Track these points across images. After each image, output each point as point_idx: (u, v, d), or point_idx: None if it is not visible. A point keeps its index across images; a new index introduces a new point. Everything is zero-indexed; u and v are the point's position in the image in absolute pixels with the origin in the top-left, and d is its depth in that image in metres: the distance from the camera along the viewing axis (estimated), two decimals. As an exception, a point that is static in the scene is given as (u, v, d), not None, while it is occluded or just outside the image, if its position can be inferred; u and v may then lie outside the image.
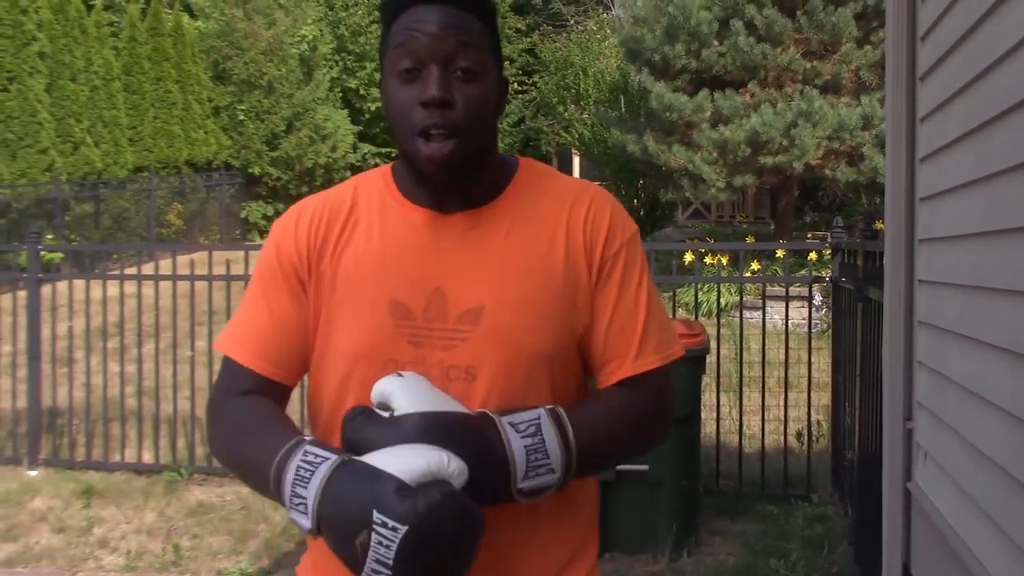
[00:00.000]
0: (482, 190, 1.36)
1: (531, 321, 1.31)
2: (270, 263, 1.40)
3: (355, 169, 20.61)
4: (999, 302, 1.96)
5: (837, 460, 4.99)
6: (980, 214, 2.10)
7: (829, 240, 5.28)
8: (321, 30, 20.02)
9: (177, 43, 16.61)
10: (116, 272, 8.88)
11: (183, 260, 6.35)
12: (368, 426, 1.19)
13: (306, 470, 1.16)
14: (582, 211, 1.37)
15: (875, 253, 3.71)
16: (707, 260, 9.33)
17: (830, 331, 5.56)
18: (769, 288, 8.74)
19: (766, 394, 5.22)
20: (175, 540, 4.60)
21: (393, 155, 24.02)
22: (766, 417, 5.23)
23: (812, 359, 5.20)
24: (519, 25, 22.98)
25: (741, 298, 5.76)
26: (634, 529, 4.30)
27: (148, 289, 6.19)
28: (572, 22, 22.14)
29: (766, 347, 5.24)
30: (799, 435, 5.47)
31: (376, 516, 1.08)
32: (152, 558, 4.45)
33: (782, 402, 5.26)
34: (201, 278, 5.72)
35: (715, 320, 7.06)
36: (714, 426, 5.23)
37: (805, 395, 5.20)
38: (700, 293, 6.70)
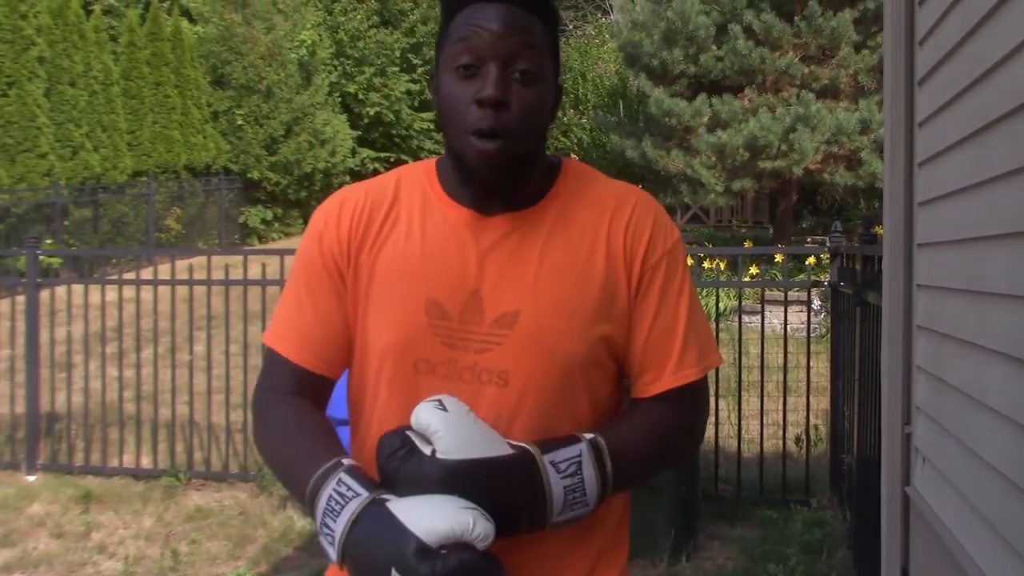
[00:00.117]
0: (525, 193, 1.34)
1: (567, 328, 1.29)
2: (312, 254, 1.38)
3: (354, 174, 20.63)
4: (998, 306, 1.96)
5: (836, 465, 4.99)
6: (979, 218, 2.10)
7: (828, 244, 5.28)
8: (320, 35, 20.04)
9: (176, 48, 16.62)
10: (115, 277, 8.87)
11: (182, 265, 6.35)
12: (409, 463, 1.16)
13: (337, 502, 1.16)
14: (623, 219, 1.34)
15: (874, 257, 3.71)
16: (706, 264, 9.33)
17: (829, 335, 5.56)
18: (768, 292, 8.72)
19: (765, 398, 5.22)
20: (173, 545, 4.59)
21: (392, 161, 24.03)
22: (765, 421, 5.23)
23: (811, 363, 5.20)
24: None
25: (740, 302, 5.76)
26: (632, 534, 4.27)
27: (147, 294, 6.18)
28: (571, 27, 22.17)
29: (765, 351, 5.24)
30: (798, 440, 5.46)
31: (395, 573, 1.08)
32: (150, 563, 4.44)
33: (781, 406, 5.26)
34: (200, 283, 5.72)
35: (714, 324, 7.06)
36: (713, 430, 5.22)
37: (804, 400, 5.20)
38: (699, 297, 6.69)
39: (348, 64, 21.15)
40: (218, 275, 5.68)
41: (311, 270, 1.38)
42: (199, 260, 7.45)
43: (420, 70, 22.15)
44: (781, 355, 5.26)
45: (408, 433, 1.19)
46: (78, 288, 6.09)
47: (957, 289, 2.28)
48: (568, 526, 1.23)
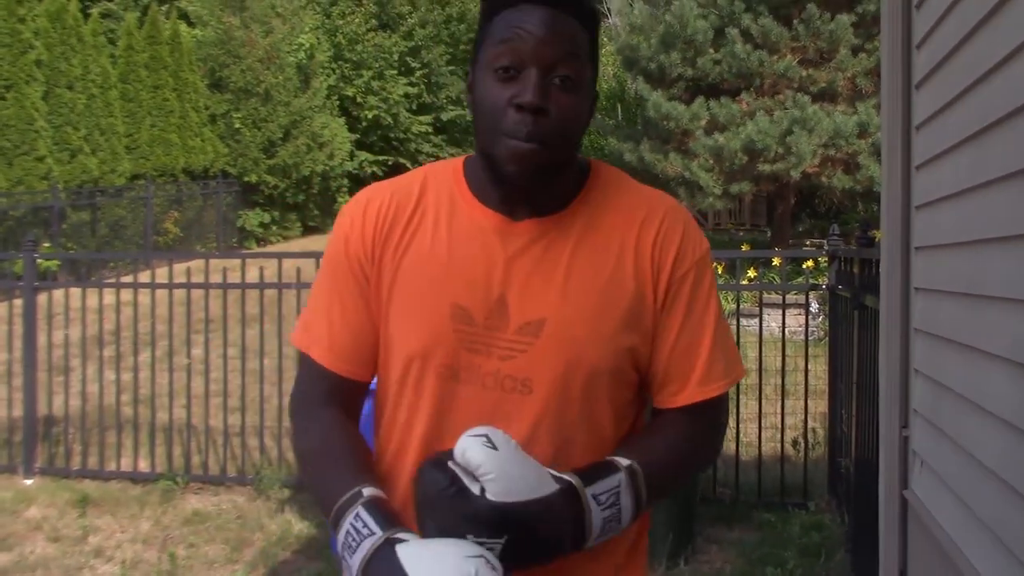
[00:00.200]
0: (553, 198, 1.33)
1: (592, 338, 1.28)
2: (338, 256, 1.38)
3: (352, 177, 20.65)
4: (995, 309, 1.96)
5: (834, 468, 4.99)
6: (976, 222, 2.10)
7: (826, 248, 5.28)
8: (318, 38, 20.07)
9: (174, 51, 16.63)
10: (113, 280, 8.86)
11: (180, 268, 6.35)
12: (459, 503, 1.14)
13: (353, 539, 1.18)
14: (652, 230, 1.33)
15: (871, 261, 3.71)
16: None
17: (827, 339, 5.56)
18: (766, 296, 8.75)
19: (763, 402, 5.22)
20: (171, 549, 4.58)
21: (390, 164, 23.98)
22: (763, 425, 5.23)
23: (809, 367, 5.20)
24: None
25: (738, 306, 5.75)
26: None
27: (144, 297, 6.18)
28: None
29: (763, 355, 5.24)
30: (796, 443, 5.47)
31: None
32: (147, 567, 4.43)
33: (779, 410, 5.26)
34: (197, 286, 5.72)
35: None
36: (711, 434, 5.21)
37: (802, 403, 5.20)
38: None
39: (346, 67, 21.18)
40: (216, 278, 5.67)
41: (338, 272, 1.38)
42: (197, 263, 7.45)
43: (418, 73, 22.16)
44: (779, 358, 5.25)
45: (453, 468, 1.16)
46: (76, 291, 6.09)
47: (954, 292, 2.28)
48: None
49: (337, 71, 21.04)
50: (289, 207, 18.86)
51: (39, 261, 6.29)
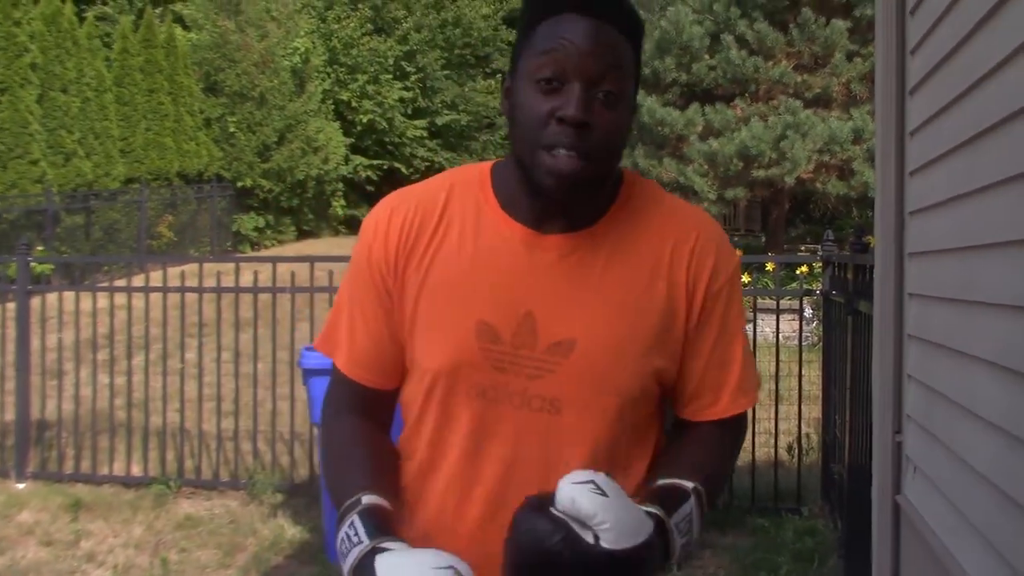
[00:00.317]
0: (586, 212, 1.30)
1: (623, 363, 1.27)
2: (361, 264, 1.36)
3: (347, 181, 20.65)
4: (988, 315, 1.96)
5: (827, 473, 4.99)
6: (969, 227, 2.11)
7: (820, 253, 5.29)
8: (313, 42, 20.07)
9: (169, 55, 16.61)
10: (106, 284, 8.85)
11: (174, 272, 6.34)
12: (573, 552, 1.09)
13: (346, 546, 1.18)
14: (686, 249, 1.31)
15: (865, 266, 3.72)
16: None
17: (821, 344, 5.56)
18: (760, 301, 8.76)
19: (756, 407, 5.20)
20: (163, 554, 4.57)
21: (384, 168, 23.93)
22: (756, 430, 5.22)
23: (803, 372, 5.20)
24: (510, 38, 23.05)
25: (732, 311, 5.75)
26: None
27: (138, 301, 6.16)
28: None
29: (757, 360, 5.23)
30: (789, 448, 5.47)
31: None
32: (140, 572, 4.42)
33: (772, 415, 5.26)
34: (192, 290, 5.71)
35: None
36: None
37: (796, 408, 5.21)
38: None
39: (341, 71, 21.19)
40: (210, 282, 5.66)
41: (360, 280, 1.36)
42: (191, 267, 7.43)
43: (413, 78, 22.17)
44: (773, 363, 5.26)
45: (560, 516, 1.10)
46: (69, 295, 6.08)
47: (948, 298, 2.28)
48: None
49: (332, 75, 21.05)
50: (283, 211, 18.85)
51: (33, 264, 6.27)
